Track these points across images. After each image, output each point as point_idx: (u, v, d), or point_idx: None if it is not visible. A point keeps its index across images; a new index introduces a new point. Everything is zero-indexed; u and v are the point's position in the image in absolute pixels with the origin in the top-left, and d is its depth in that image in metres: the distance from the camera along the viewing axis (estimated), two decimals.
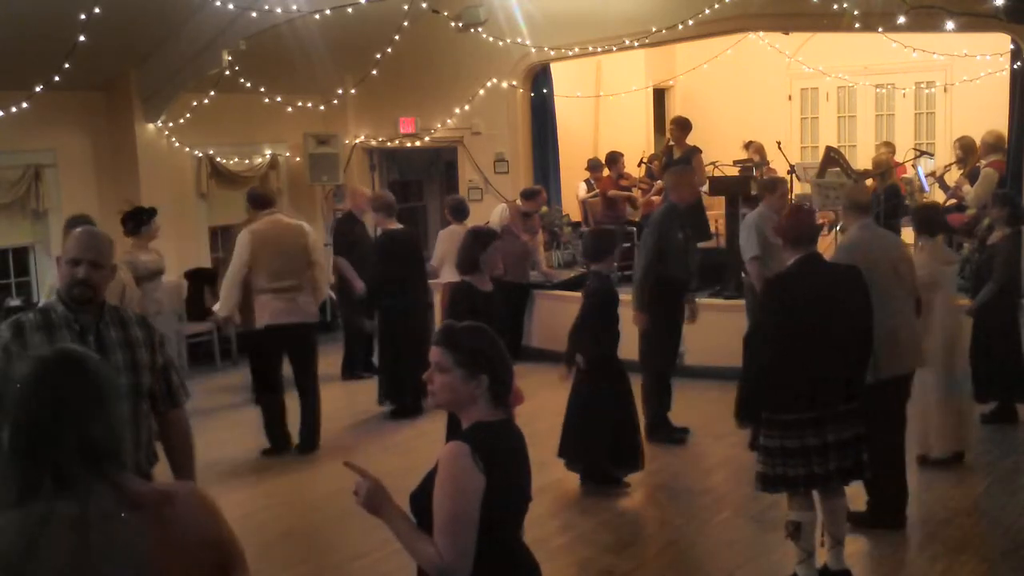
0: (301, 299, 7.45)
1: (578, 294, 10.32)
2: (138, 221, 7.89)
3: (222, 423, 8.69)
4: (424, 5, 9.73)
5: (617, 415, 6.45)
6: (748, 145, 12.31)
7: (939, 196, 10.88)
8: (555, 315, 10.34)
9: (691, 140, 11.04)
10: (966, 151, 10.17)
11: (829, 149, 11.33)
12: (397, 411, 8.54)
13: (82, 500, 1.88)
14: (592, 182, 12.71)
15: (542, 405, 8.45)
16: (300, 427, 7.61)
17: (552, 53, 10.84)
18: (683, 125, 10.94)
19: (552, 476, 6.89)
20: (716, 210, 11.61)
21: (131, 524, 1.90)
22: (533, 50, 10.77)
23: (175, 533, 1.95)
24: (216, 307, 7.78)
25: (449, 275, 8.39)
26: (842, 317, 4.66)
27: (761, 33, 12.29)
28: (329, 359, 9.54)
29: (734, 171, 12.22)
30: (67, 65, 8.11)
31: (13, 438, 1.91)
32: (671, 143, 11.12)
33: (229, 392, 9.37)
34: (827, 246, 9.76)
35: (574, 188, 12.75)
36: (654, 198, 12.15)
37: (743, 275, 9.31)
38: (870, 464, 4.92)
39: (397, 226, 8.55)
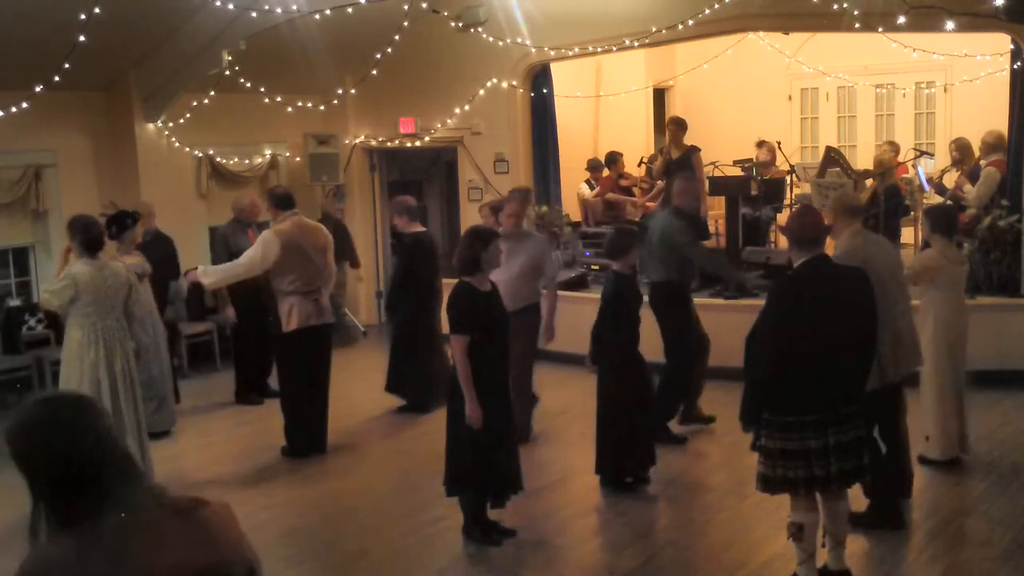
0: (323, 300, 7.52)
1: (578, 294, 10.42)
2: (121, 225, 7.79)
3: (222, 423, 8.70)
4: (424, 5, 9.71)
5: (633, 419, 6.47)
6: (761, 144, 12.24)
7: (937, 199, 10.87)
8: (559, 316, 10.33)
9: (691, 140, 11.06)
10: (963, 152, 10.17)
11: (829, 149, 11.33)
12: (407, 407, 8.69)
13: (131, 512, 2.03)
14: (593, 182, 12.71)
15: (544, 405, 8.45)
16: (308, 428, 7.62)
17: (552, 53, 10.83)
18: (680, 124, 10.97)
19: (551, 477, 6.90)
20: (716, 210, 11.62)
21: (180, 527, 2.06)
22: (533, 50, 10.76)
23: (216, 532, 2.10)
24: (201, 270, 7.58)
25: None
26: (847, 319, 4.65)
27: (761, 33, 12.27)
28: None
29: (734, 171, 12.23)
30: (67, 65, 8.09)
31: (53, 470, 2.05)
32: (671, 143, 11.12)
33: (228, 392, 9.36)
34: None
35: (574, 188, 12.74)
36: (649, 204, 12.18)
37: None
38: (871, 466, 4.95)
39: (421, 228, 8.66)
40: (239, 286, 8.32)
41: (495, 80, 11.27)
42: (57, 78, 8.18)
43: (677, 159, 10.84)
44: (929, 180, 10.95)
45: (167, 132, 10.68)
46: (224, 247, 9.07)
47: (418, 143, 12.06)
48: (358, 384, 9.54)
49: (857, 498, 5.50)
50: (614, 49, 10.63)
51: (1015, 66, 9.01)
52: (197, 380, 10.12)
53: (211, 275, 7.56)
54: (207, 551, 2.07)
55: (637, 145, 13.76)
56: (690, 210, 7.76)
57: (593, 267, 11.19)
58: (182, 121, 10.64)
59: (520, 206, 7.54)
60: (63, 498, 2.06)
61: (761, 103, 13.88)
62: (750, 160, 12.15)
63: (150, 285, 8.17)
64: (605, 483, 6.60)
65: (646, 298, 7.08)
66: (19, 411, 2.15)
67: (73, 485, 2.05)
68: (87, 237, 6.50)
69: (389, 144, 12.32)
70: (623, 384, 6.48)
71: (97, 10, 7.79)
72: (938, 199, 10.72)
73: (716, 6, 9.30)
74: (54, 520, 2.07)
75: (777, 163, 12.09)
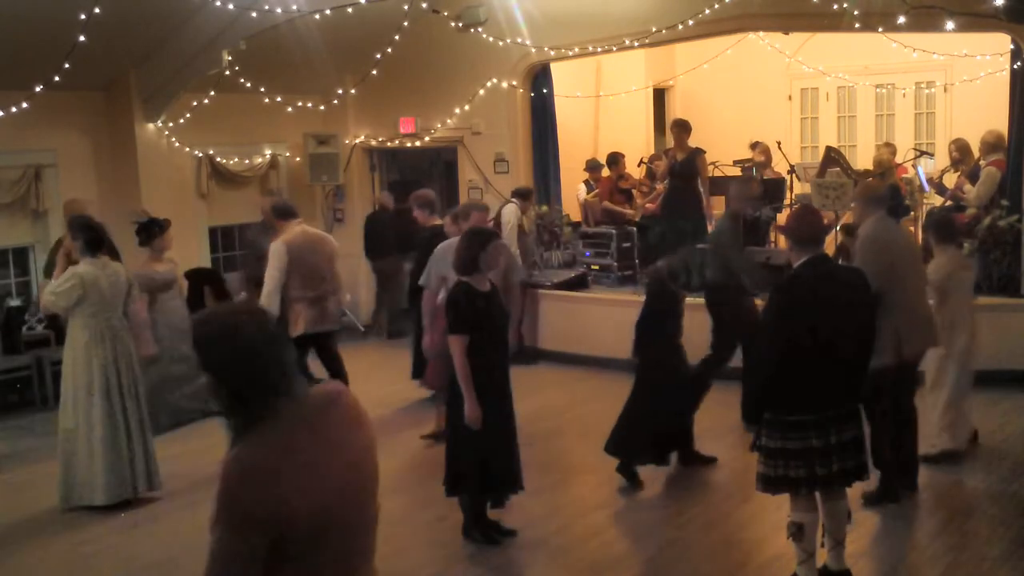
0: (329, 306, 7.69)
1: (578, 294, 10.43)
2: (150, 233, 8.09)
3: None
4: (424, 5, 9.71)
5: (659, 413, 6.62)
6: (755, 146, 12.28)
7: (937, 199, 10.88)
8: (559, 316, 10.36)
9: (691, 140, 11.06)
10: (962, 153, 10.17)
11: (829, 149, 11.33)
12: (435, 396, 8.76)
13: (307, 403, 2.39)
14: (591, 183, 12.71)
15: (544, 405, 8.47)
16: None
17: (552, 53, 10.83)
18: (684, 126, 10.98)
19: (551, 477, 6.89)
20: (717, 210, 11.62)
21: (342, 410, 2.47)
22: (533, 50, 10.76)
23: (356, 413, 2.52)
24: None
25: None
26: (847, 318, 4.66)
27: (761, 33, 12.27)
28: None
29: (734, 171, 12.23)
30: (67, 65, 8.10)
31: (261, 362, 2.34)
32: (675, 145, 11.13)
33: None
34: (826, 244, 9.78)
35: (574, 188, 12.74)
36: (648, 206, 12.20)
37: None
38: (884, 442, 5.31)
39: (439, 222, 8.67)
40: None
41: (495, 80, 11.27)
42: (57, 78, 8.18)
43: (681, 161, 10.86)
44: (929, 180, 10.95)
45: (167, 132, 10.68)
46: (252, 251, 9.37)
47: (418, 143, 12.06)
48: (358, 384, 9.53)
49: (856, 499, 5.51)
50: (614, 49, 10.63)
51: (1015, 66, 9.01)
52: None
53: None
54: (363, 424, 2.51)
55: (637, 145, 13.75)
56: (745, 213, 7.96)
57: (593, 267, 11.19)
58: (182, 121, 10.64)
59: (485, 216, 7.52)
60: (252, 392, 2.32)
61: (761, 103, 13.87)
62: (750, 160, 12.15)
63: (179, 293, 8.54)
64: (619, 469, 6.72)
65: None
66: (208, 317, 2.46)
67: (258, 381, 2.33)
68: (91, 237, 6.51)
69: (389, 144, 12.33)
70: (659, 379, 6.63)
71: (97, 10, 7.79)
72: (939, 199, 10.73)
73: (716, 6, 9.29)
74: (245, 413, 2.32)
75: (773, 163, 12.10)
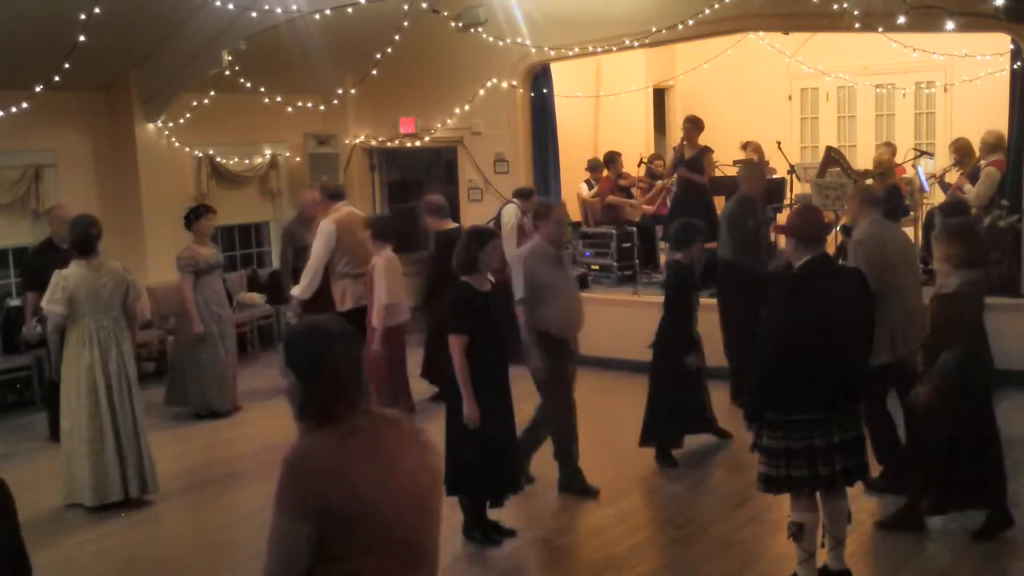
0: (367, 284, 8.14)
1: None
2: (189, 219, 8.66)
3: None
4: (424, 5, 9.71)
5: (694, 398, 7.03)
6: (746, 145, 12.31)
7: (939, 197, 10.88)
8: None
9: None
10: (962, 153, 10.17)
11: (829, 149, 11.32)
12: (440, 395, 8.80)
13: (370, 419, 2.55)
14: (592, 182, 12.71)
15: None
16: None
17: (552, 53, 10.82)
18: (696, 123, 10.98)
19: (551, 477, 6.89)
20: (717, 210, 11.63)
21: (403, 433, 2.63)
22: (533, 50, 10.75)
23: (414, 442, 2.67)
24: (295, 290, 8.30)
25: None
26: (849, 317, 4.67)
27: (761, 33, 12.27)
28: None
29: (733, 171, 12.22)
30: (67, 65, 8.10)
31: (329, 380, 2.50)
32: (684, 141, 11.12)
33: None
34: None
35: (574, 188, 12.74)
36: (646, 206, 12.20)
37: None
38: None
39: (451, 226, 8.73)
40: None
41: (495, 80, 11.27)
42: (57, 78, 8.17)
43: (689, 159, 10.86)
44: (931, 177, 10.95)
45: (167, 132, 10.69)
46: (290, 243, 9.42)
47: (418, 143, 12.06)
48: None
49: (857, 495, 5.51)
50: (614, 49, 10.63)
51: (1015, 66, 9.00)
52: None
53: (300, 288, 8.22)
54: (419, 454, 2.65)
55: (637, 145, 13.73)
56: (758, 194, 8.04)
57: (593, 267, 11.19)
58: (182, 121, 10.65)
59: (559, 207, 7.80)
60: (325, 398, 2.48)
61: (761, 103, 13.86)
62: (746, 160, 12.14)
63: (220, 276, 8.86)
64: (656, 458, 7.05)
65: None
66: (303, 321, 2.67)
67: (334, 388, 2.50)
68: (75, 238, 6.51)
69: (389, 144, 12.32)
70: (676, 373, 6.91)
71: (97, 10, 7.79)
72: (941, 197, 10.73)
73: (716, 6, 9.29)
74: (314, 415, 2.50)
75: (768, 162, 12.09)
